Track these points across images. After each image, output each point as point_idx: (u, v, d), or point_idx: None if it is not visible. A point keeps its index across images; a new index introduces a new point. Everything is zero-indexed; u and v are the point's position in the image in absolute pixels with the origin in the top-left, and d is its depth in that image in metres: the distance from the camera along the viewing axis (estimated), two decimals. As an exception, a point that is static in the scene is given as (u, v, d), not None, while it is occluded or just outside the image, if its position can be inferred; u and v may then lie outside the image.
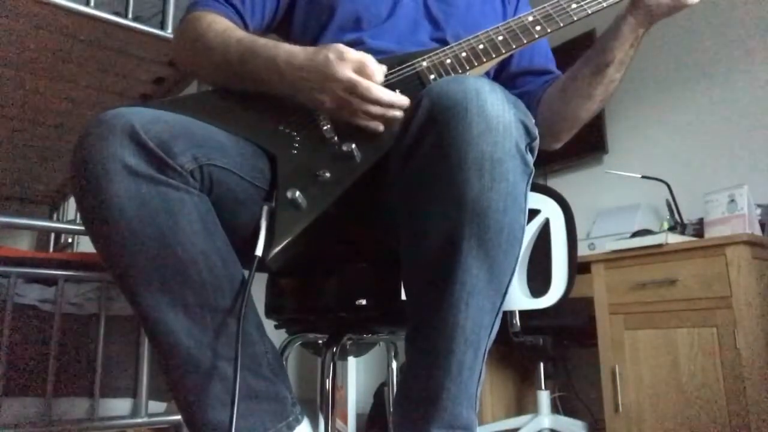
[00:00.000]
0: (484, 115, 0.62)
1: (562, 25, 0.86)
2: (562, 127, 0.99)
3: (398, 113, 0.78)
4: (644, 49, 1.06)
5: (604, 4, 0.87)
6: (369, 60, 0.78)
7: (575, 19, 0.86)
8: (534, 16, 0.86)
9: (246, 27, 0.95)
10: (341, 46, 0.78)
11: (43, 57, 1.31)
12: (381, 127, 0.79)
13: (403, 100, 0.78)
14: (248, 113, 0.84)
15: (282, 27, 1.04)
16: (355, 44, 0.82)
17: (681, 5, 0.84)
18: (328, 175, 0.76)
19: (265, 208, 0.75)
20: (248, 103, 0.85)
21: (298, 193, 0.73)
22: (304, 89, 0.80)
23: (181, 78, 1.45)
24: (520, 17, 0.86)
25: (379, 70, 0.78)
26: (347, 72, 0.76)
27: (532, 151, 0.68)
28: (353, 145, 0.76)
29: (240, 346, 0.68)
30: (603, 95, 0.95)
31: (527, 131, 0.66)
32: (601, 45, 0.91)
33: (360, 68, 0.77)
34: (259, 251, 0.71)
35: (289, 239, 0.72)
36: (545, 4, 0.87)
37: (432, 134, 0.64)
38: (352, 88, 0.76)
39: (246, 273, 0.72)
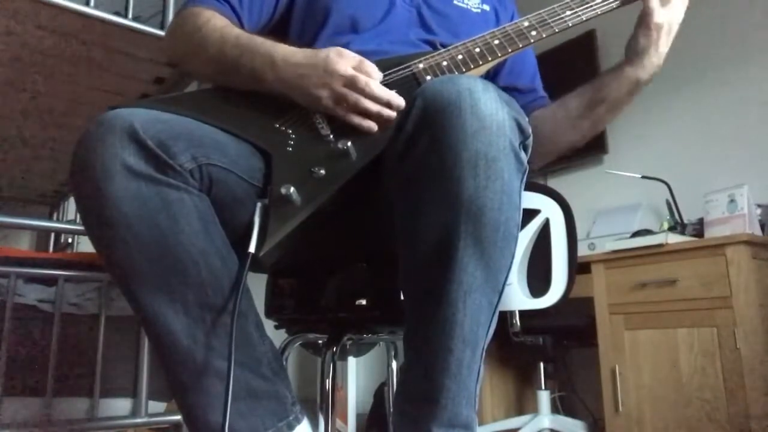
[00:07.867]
0: (478, 113, 0.63)
1: (557, 30, 0.87)
2: (541, 150, 0.99)
3: (393, 114, 0.79)
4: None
5: (599, 11, 0.88)
6: (366, 60, 0.80)
7: (570, 24, 0.87)
8: (530, 21, 0.87)
9: (242, 26, 0.95)
10: (340, 48, 0.80)
11: (43, 57, 1.31)
12: (375, 127, 0.80)
13: (400, 101, 0.78)
14: (244, 111, 0.84)
15: (278, 28, 1.04)
16: (348, 46, 0.83)
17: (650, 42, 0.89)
18: (323, 172, 0.76)
19: (259, 205, 0.75)
20: (244, 102, 0.85)
21: (292, 189, 0.73)
22: (300, 86, 0.80)
23: (181, 78, 1.45)
24: (515, 22, 0.87)
25: (376, 70, 0.80)
26: (348, 68, 0.78)
27: (525, 148, 0.69)
28: (349, 143, 0.76)
29: (239, 345, 0.68)
30: (588, 131, 0.97)
31: (520, 129, 0.67)
32: (600, 81, 0.92)
33: (359, 65, 0.79)
34: (252, 248, 0.71)
35: (283, 235, 0.72)
36: (540, 10, 0.88)
37: (426, 134, 0.65)
38: (352, 83, 0.77)
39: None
